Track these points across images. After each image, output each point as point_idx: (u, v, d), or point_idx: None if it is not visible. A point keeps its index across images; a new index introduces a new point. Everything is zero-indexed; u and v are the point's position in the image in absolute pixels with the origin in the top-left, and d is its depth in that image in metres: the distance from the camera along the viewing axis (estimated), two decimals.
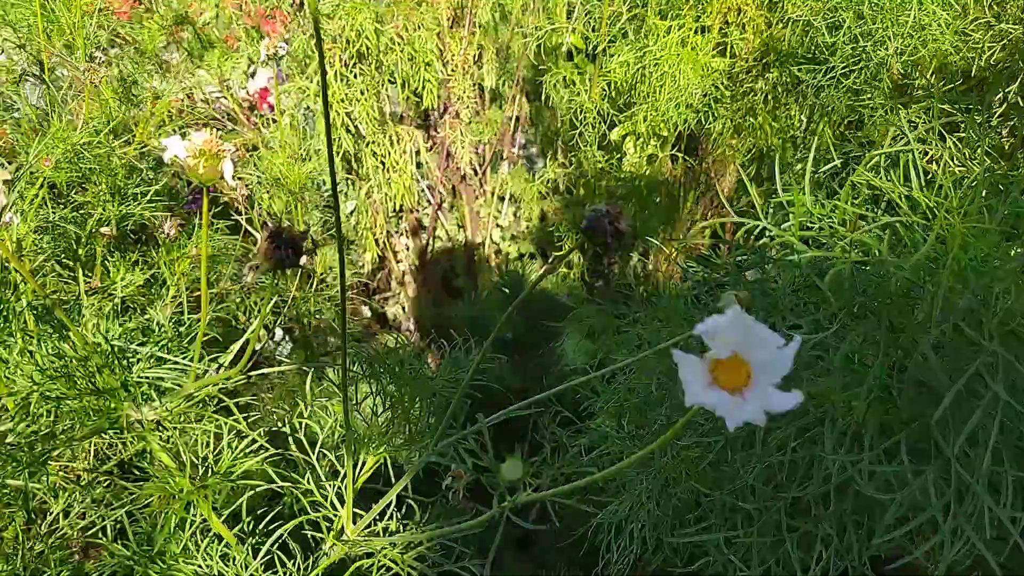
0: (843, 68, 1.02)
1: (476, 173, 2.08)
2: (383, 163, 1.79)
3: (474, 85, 2.02)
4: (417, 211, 2.08)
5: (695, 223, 1.91)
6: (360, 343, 1.84)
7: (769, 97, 1.31)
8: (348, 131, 1.68)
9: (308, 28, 1.72)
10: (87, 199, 1.00)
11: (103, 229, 0.98)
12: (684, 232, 1.86)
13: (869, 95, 1.04)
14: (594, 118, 1.44)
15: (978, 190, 0.59)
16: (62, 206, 0.98)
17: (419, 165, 1.91)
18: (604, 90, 1.48)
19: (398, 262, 2.05)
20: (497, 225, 2.31)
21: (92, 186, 0.99)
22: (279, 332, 1.72)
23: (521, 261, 2.18)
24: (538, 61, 1.87)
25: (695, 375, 0.44)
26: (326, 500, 0.75)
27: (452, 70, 1.90)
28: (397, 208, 1.90)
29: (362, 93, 1.62)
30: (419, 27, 1.72)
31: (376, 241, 1.95)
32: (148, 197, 1.02)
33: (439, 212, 2.20)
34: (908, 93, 1.05)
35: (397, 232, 2.08)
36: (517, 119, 2.28)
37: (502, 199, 2.27)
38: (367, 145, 1.78)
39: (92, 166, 0.98)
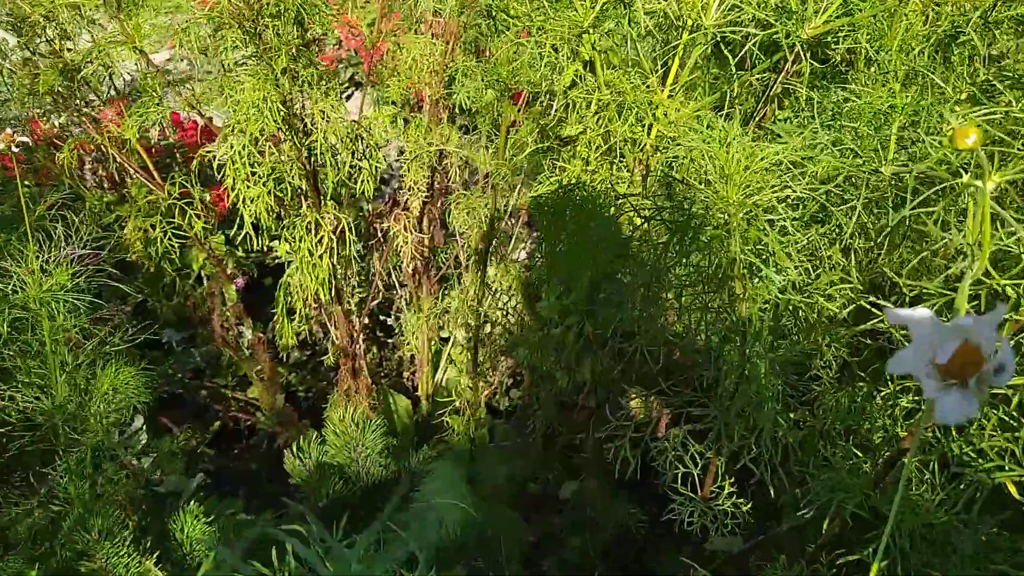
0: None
1: (424, 271, 1.83)
2: (299, 250, 1.57)
3: (443, 177, 1.79)
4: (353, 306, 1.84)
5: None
6: None
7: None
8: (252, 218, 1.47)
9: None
10: None
11: None
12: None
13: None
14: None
15: None
16: None
17: (349, 260, 1.68)
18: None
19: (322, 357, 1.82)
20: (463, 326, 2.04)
21: None
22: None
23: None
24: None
25: None
26: None
27: (407, 157, 1.67)
28: (313, 302, 1.67)
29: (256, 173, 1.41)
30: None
31: (295, 331, 1.73)
32: None
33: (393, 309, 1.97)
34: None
35: (333, 324, 1.85)
36: (510, 213, 2.03)
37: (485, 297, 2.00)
38: (283, 229, 1.57)
39: None
